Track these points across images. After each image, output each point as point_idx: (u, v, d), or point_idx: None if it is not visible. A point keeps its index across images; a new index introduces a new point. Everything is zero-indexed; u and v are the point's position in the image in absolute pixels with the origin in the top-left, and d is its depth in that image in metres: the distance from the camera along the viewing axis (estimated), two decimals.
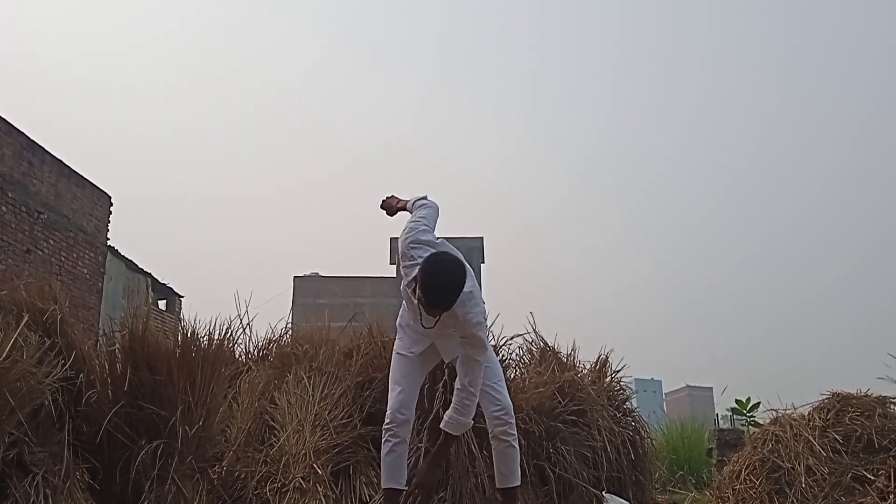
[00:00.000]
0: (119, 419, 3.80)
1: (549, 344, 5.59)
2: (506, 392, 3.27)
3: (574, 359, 5.49)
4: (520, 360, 5.57)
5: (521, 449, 4.45)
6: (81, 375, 3.96)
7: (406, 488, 3.32)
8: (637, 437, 5.30)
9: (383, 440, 3.26)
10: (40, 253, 12.55)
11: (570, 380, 5.03)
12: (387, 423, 3.25)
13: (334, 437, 4.28)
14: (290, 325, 5.89)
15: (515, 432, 3.25)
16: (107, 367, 4.13)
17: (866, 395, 4.82)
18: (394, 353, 3.37)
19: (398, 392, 3.24)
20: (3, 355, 3.36)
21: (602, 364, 5.62)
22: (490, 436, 3.27)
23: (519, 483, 3.32)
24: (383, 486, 3.31)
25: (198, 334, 4.13)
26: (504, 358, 5.20)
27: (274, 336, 5.72)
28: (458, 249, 3.29)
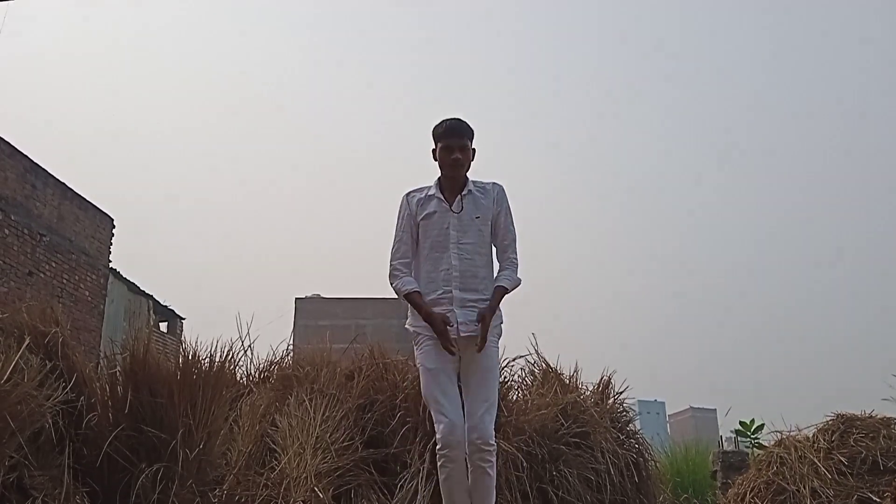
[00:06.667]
0: (119, 442, 3.78)
1: (552, 365, 5.57)
2: (491, 419, 3.12)
3: (576, 380, 5.46)
4: (522, 382, 5.55)
5: (523, 472, 4.43)
6: (82, 398, 3.96)
7: None
8: (640, 459, 5.26)
9: (439, 465, 3.11)
10: (42, 275, 12.55)
11: (572, 401, 5.01)
12: (440, 448, 3.08)
13: (336, 460, 4.25)
14: (291, 347, 5.88)
15: (494, 460, 3.10)
16: (108, 389, 4.12)
17: (871, 417, 4.79)
18: (420, 367, 3.21)
19: (444, 413, 3.07)
20: (4, 378, 3.36)
21: (605, 385, 5.59)
22: (468, 461, 3.11)
23: None
24: None
25: (199, 356, 4.12)
26: (506, 379, 5.18)
27: (275, 358, 5.71)
28: None
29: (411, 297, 3.24)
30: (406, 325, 3.31)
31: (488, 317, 3.19)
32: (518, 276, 3.33)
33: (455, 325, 3.15)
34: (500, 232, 3.36)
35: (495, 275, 3.34)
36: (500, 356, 3.33)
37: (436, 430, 3.11)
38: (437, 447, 3.10)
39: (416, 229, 3.34)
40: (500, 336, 3.29)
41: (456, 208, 3.30)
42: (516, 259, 3.35)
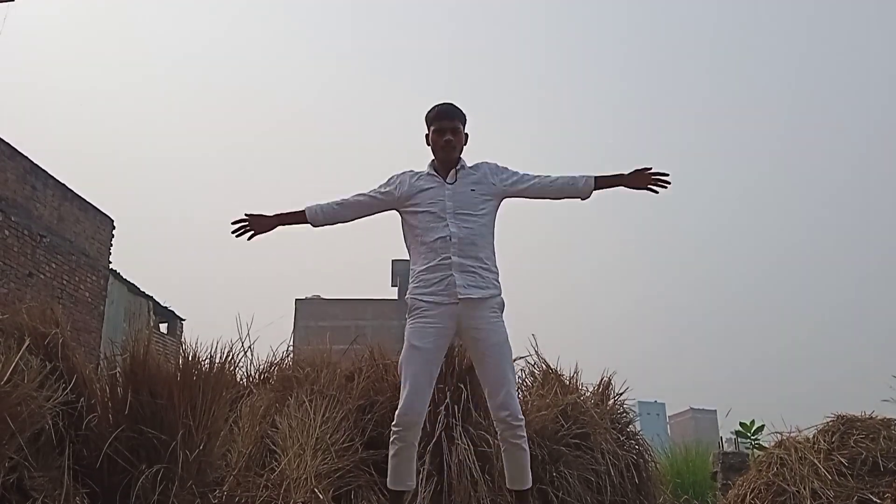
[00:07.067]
0: (119, 443, 3.77)
1: (552, 366, 5.57)
2: (515, 393, 3.13)
3: (577, 381, 5.46)
4: (522, 383, 5.54)
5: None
6: (82, 399, 3.95)
7: (412, 490, 3.22)
8: (641, 460, 5.26)
9: (390, 440, 3.13)
10: (42, 276, 12.55)
11: (572, 402, 5.00)
12: (394, 425, 3.10)
13: (336, 461, 4.25)
14: (291, 348, 5.88)
15: (525, 434, 3.11)
16: (108, 390, 4.11)
17: (871, 418, 4.79)
18: (406, 341, 3.19)
19: (406, 393, 3.08)
20: (4, 379, 3.36)
21: (605, 386, 5.59)
22: (499, 438, 3.15)
23: (530, 485, 3.23)
24: (389, 486, 3.21)
25: (199, 357, 4.12)
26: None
27: (275, 359, 5.71)
28: None
29: (305, 210, 3.35)
30: (406, 297, 3.28)
31: (629, 175, 3.31)
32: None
33: (454, 290, 3.13)
34: (511, 181, 3.37)
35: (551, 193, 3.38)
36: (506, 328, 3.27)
37: (398, 406, 3.10)
38: (393, 423, 3.10)
39: (385, 199, 3.36)
40: (502, 309, 3.25)
41: (450, 181, 3.31)
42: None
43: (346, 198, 3.39)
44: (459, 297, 3.12)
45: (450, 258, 3.17)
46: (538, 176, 3.38)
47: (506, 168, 3.41)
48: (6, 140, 12.00)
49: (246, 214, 3.33)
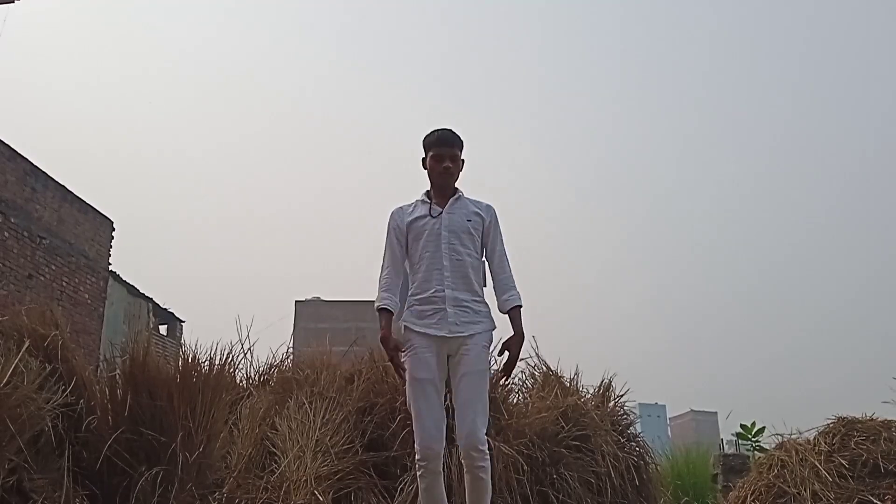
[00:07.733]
0: (119, 445, 3.77)
1: (552, 368, 5.57)
2: (484, 423, 3.11)
3: (577, 383, 5.46)
4: (522, 385, 5.54)
5: (524, 475, 4.42)
6: (82, 401, 3.95)
7: None
8: (641, 462, 5.25)
9: (418, 475, 3.14)
10: (42, 278, 12.54)
11: (573, 405, 5.00)
12: (418, 460, 3.10)
13: (335, 463, 4.25)
14: (291, 350, 5.88)
15: (487, 464, 3.10)
16: (107, 392, 4.11)
17: (871, 420, 4.79)
18: (409, 376, 3.21)
19: (423, 425, 3.09)
20: (4, 381, 3.36)
21: (605, 389, 5.59)
22: (464, 466, 3.13)
23: None
24: None
25: (199, 359, 4.12)
26: (506, 383, 5.17)
27: (275, 361, 5.71)
28: None
29: (381, 313, 3.28)
30: (401, 322, 3.30)
31: (515, 348, 3.24)
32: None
33: (446, 325, 3.15)
34: (491, 244, 3.36)
35: (489, 281, 3.34)
36: (489, 360, 3.32)
37: (415, 440, 3.12)
38: (416, 458, 3.12)
39: (404, 242, 3.35)
40: (490, 343, 3.27)
41: (448, 211, 3.32)
42: (512, 275, 3.37)
43: (390, 273, 3.34)
44: (451, 334, 3.16)
45: (443, 291, 3.20)
46: (502, 259, 3.36)
47: (497, 225, 3.41)
48: (6, 142, 12.00)
49: (389, 355, 3.30)
